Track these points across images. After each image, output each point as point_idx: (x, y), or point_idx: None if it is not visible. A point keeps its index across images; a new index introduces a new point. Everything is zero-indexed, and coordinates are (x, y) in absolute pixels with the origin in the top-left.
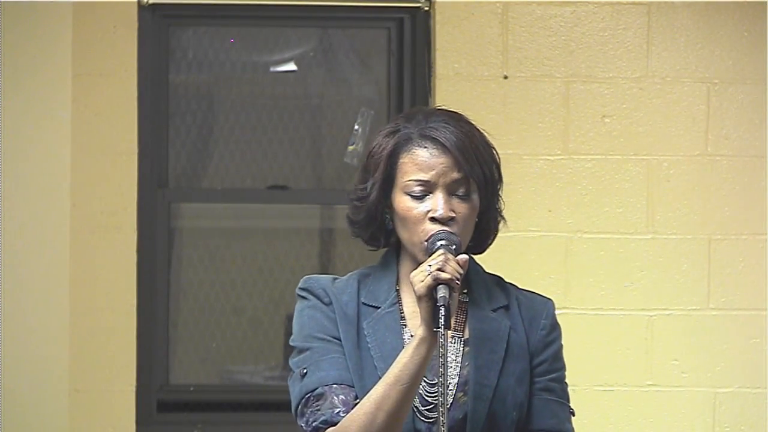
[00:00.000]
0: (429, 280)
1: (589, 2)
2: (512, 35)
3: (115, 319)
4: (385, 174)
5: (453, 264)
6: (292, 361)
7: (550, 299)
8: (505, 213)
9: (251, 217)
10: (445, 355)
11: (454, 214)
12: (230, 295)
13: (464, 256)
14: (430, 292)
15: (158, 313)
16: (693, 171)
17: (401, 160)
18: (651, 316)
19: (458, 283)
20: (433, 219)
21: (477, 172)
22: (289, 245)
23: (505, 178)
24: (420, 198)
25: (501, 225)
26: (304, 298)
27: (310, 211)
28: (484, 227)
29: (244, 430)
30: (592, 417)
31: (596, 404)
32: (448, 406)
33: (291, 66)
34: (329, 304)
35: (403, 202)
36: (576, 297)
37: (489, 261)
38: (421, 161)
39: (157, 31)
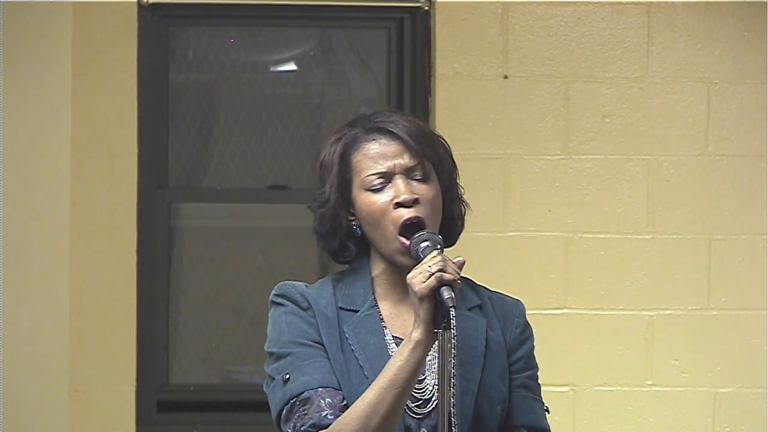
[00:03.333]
0: (432, 281)
1: (589, 2)
2: (512, 35)
3: (115, 319)
4: (340, 177)
5: (452, 264)
6: (270, 368)
7: (520, 300)
8: (505, 213)
9: (251, 217)
10: (446, 356)
11: (417, 196)
12: (230, 295)
13: (460, 259)
14: (433, 294)
15: (158, 313)
16: (693, 171)
17: (354, 160)
18: (651, 316)
19: (460, 283)
20: (398, 204)
21: (430, 154)
22: (289, 245)
23: (505, 178)
24: (380, 190)
25: (465, 213)
26: (280, 304)
27: (310, 211)
28: (447, 213)
29: (244, 430)
30: (592, 417)
31: (596, 404)
32: (435, 403)
33: (291, 66)
34: (308, 308)
35: (365, 198)
36: (576, 297)
37: (489, 261)
38: (374, 153)
39: (157, 31)
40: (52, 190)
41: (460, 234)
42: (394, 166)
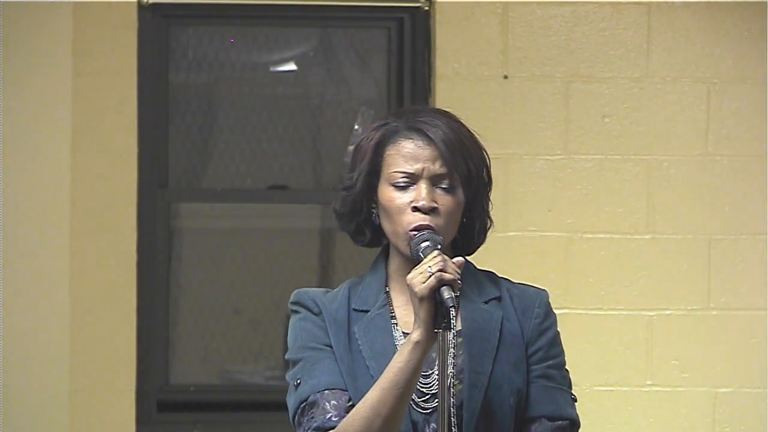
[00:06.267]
0: (432, 281)
1: (589, 2)
2: (512, 35)
3: (115, 319)
4: (371, 165)
5: (452, 264)
6: (288, 375)
7: (544, 289)
8: (505, 213)
9: (251, 217)
10: (446, 356)
11: (436, 205)
12: (230, 295)
13: (460, 259)
14: (433, 294)
15: (158, 313)
16: (693, 171)
17: (387, 152)
18: (651, 316)
19: (460, 283)
20: (415, 209)
21: (461, 167)
22: (289, 245)
23: (505, 178)
24: (404, 188)
25: (489, 229)
26: (296, 311)
27: (310, 211)
28: (468, 225)
29: (244, 430)
30: (592, 417)
31: (596, 404)
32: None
33: (291, 66)
34: (318, 313)
35: (387, 192)
36: (576, 297)
37: (490, 261)
38: (407, 152)
39: (157, 31)
40: (52, 190)
41: (478, 247)
42: (423, 170)
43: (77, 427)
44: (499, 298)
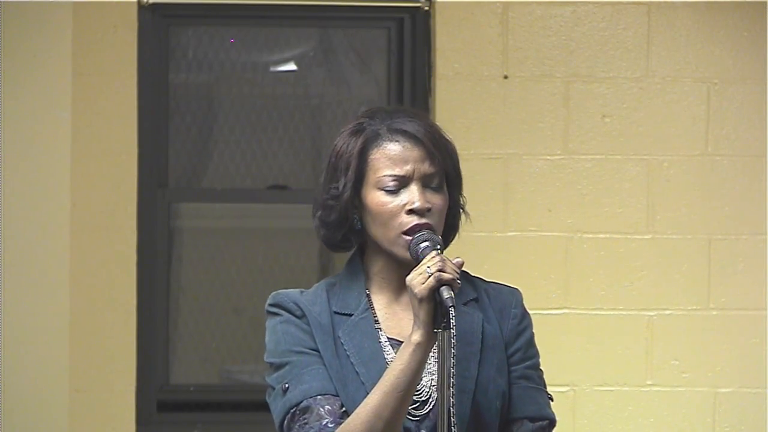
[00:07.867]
0: (431, 281)
1: (589, 2)
2: (512, 35)
3: (115, 319)
4: (356, 172)
5: (451, 264)
6: (270, 378)
7: (517, 289)
8: (505, 213)
9: (251, 217)
10: (446, 355)
11: (430, 206)
12: (230, 295)
13: (459, 259)
14: (433, 294)
15: (158, 313)
16: (693, 171)
17: (372, 156)
18: (651, 316)
19: (459, 283)
20: (410, 211)
21: (449, 164)
22: (289, 245)
23: (505, 178)
24: (394, 192)
25: (462, 221)
26: (275, 314)
27: (310, 211)
28: (450, 222)
29: (244, 430)
30: (592, 417)
31: (596, 404)
32: (432, 404)
33: (291, 66)
34: (302, 316)
35: (376, 197)
36: (576, 297)
37: (489, 261)
38: (394, 155)
39: (157, 31)
40: (52, 190)
41: (452, 241)
42: (413, 171)
43: (77, 427)
44: (476, 299)
